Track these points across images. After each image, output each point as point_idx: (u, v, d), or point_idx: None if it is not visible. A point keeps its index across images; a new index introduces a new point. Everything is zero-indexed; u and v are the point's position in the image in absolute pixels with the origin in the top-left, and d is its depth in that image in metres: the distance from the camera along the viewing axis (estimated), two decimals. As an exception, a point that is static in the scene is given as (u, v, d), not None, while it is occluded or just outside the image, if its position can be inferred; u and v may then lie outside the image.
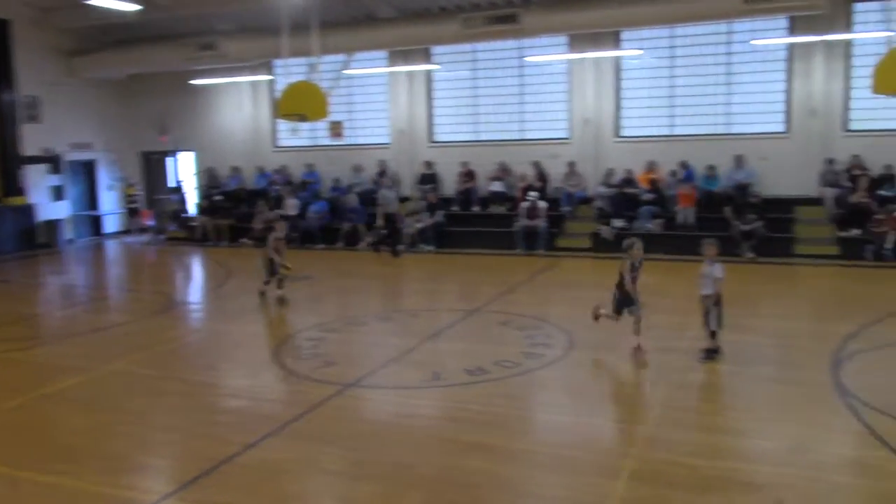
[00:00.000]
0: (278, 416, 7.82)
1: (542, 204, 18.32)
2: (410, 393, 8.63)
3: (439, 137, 21.68)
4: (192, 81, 22.96)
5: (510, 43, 20.07)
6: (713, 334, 9.18)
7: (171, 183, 25.05)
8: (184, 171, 25.07)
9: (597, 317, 10.25)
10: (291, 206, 20.78)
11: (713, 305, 9.06)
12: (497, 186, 19.97)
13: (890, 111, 16.71)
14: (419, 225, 19.15)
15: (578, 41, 19.03)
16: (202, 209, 22.67)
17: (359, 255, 19.10)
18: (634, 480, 6.20)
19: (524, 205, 18.31)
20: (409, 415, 8.00)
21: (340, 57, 19.69)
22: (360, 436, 7.33)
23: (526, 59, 20.11)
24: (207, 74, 22.38)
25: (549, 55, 19.78)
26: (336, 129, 21.87)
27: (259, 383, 9.08)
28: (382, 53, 21.21)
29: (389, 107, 21.90)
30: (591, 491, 6.06)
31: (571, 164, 19.48)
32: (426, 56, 21.03)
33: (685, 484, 6.12)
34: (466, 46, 20.56)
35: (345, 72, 20.37)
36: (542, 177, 19.61)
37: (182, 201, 23.83)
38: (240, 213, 21.76)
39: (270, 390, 8.88)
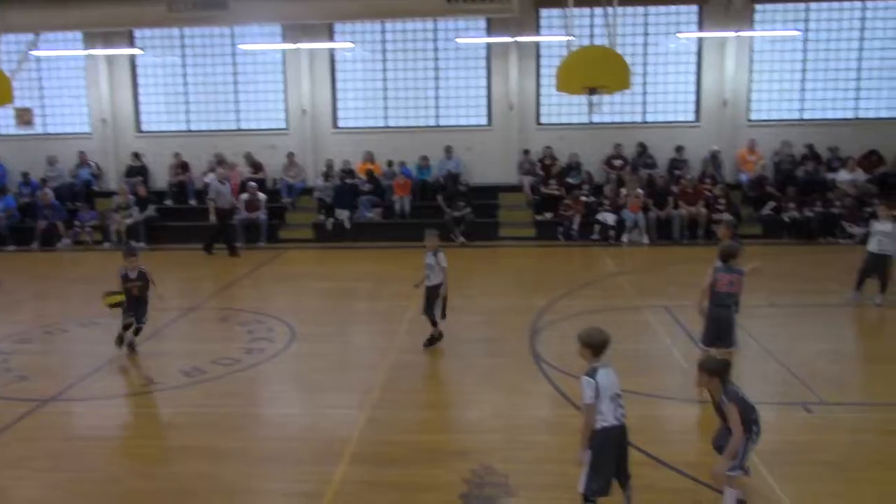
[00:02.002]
0: (-42, 443, 6.89)
1: (262, 196, 18.01)
2: (120, 402, 8.08)
3: (148, 127, 20.35)
4: None
5: (223, 30, 19.41)
6: (435, 323, 9.55)
7: None
8: None
9: None
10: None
11: (438, 296, 9.41)
12: (213, 179, 19.20)
13: (574, 107, 18.80)
14: (128, 221, 17.84)
15: (292, 31, 18.94)
16: None
17: (58, 256, 17.34)
18: (354, 463, 6.39)
19: (243, 197, 17.87)
20: (117, 426, 7.49)
21: (27, 37, 17.66)
22: (60, 455, 6.70)
23: (239, 47, 19.56)
24: None
25: (262, 44, 19.44)
26: (24, 116, 19.58)
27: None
28: (77, 35, 19.37)
29: (88, 93, 20.09)
30: (312, 479, 6.14)
31: (290, 155, 19.37)
32: (129, 39, 19.59)
33: (401, 459, 6.43)
34: (175, 31, 19.50)
35: (32, 53, 18.29)
36: (257, 168, 19.24)
37: None
38: None
39: (-52, 415, 7.78)
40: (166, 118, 20.34)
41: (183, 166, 19.48)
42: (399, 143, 19.40)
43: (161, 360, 9.42)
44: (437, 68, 19.63)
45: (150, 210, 18.35)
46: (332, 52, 19.65)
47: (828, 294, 12.16)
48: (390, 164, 19.09)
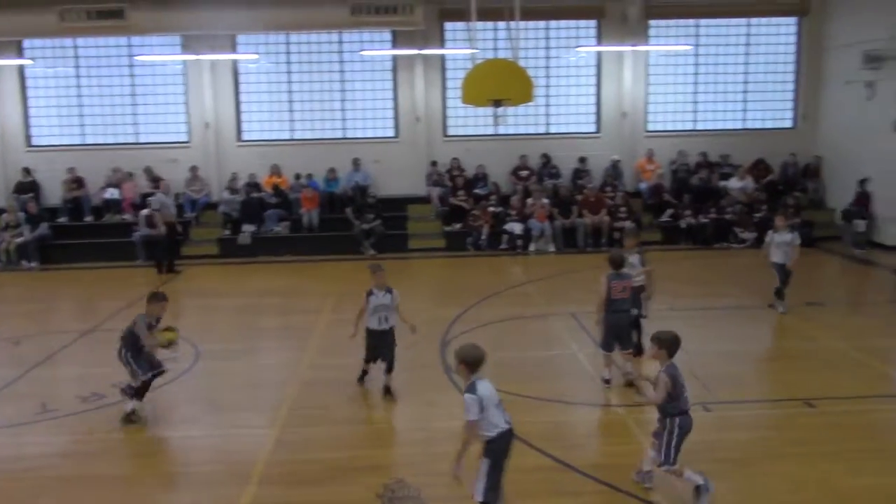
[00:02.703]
0: None
1: (164, 211, 17.45)
2: (12, 432, 7.66)
3: (39, 141, 19.42)
4: None
5: (119, 40, 18.77)
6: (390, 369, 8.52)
7: None
8: None
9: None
10: None
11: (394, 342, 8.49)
12: (112, 194, 18.54)
13: (480, 119, 19.05)
14: (18, 240, 16.96)
15: (193, 42, 18.48)
16: None
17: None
18: (264, 484, 6.28)
19: (143, 212, 17.27)
20: (8, 456, 7.09)
21: None
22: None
23: (136, 58, 18.94)
24: None
25: (161, 55, 18.90)
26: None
27: None
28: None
29: (-30, 105, 19.02)
30: (220, 502, 5.99)
31: (193, 169, 18.87)
32: (17, 49, 18.69)
33: (312, 478, 6.37)
34: (68, 41, 18.73)
35: None
36: (158, 183, 18.64)
37: None
38: None
39: None
40: (59, 132, 19.46)
41: (78, 181, 18.67)
42: (306, 156, 19.19)
43: (56, 385, 9.01)
44: (343, 80, 19.54)
45: (43, 228, 17.49)
46: (235, 64, 19.28)
47: (723, 297, 12.74)
48: (298, 176, 18.86)
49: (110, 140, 19.39)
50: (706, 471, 6.43)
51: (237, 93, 19.39)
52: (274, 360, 10.17)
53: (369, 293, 8.16)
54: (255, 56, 19.13)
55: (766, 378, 9.11)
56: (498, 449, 5.25)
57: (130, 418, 7.68)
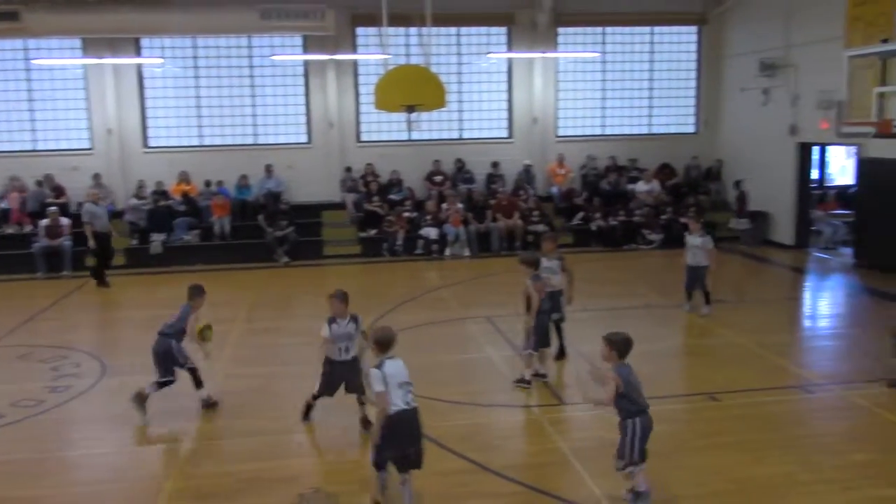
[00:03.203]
0: None
1: (65, 220, 16.72)
2: None
3: (-75, 148, 18.33)
4: None
5: (15, 43, 17.90)
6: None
7: None
8: None
9: None
10: None
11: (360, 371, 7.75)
12: (7, 203, 17.64)
13: (393, 124, 19.01)
14: None
15: (94, 46, 17.80)
16: None
17: None
18: (173, 501, 6.09)
19: (43, 222, 16.51)
20: None
21: None
22: None
23: (34, 62, 18.11)
24: None
25: (60, 59, 18.13)
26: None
27: None
28: None
29: None
30: (128, 522, 5.79)
31: (97, 177, 18.14)
32: None
33: (223, 492, 6.22)
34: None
35: None
36: (59, 191, 17.89)
37: None
38: None
39: None
40: (-52, 138, 18.43)
41: (-29, 191, 17.71)
42: (216, 163, 18.75)
43: (-52, 406, 8.50)
44: (253, 85, 19.19)
45: (-70, 240, 16.51)
46: (139, 68, 18.66)
47: (633, 297, 13.12)
48: (208, 184, 18.41)
49: (5, 147, 18.47)
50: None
51: (142, 98, 18.78)
52: (184, 372, 9.84)
53: (331, 321, 7.46)
54: (161, 60, 18.57)
55: (674, 374, 9.43)
56: (392, 425, 5.62)
57: (209, 403, 8.12)
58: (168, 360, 7.98)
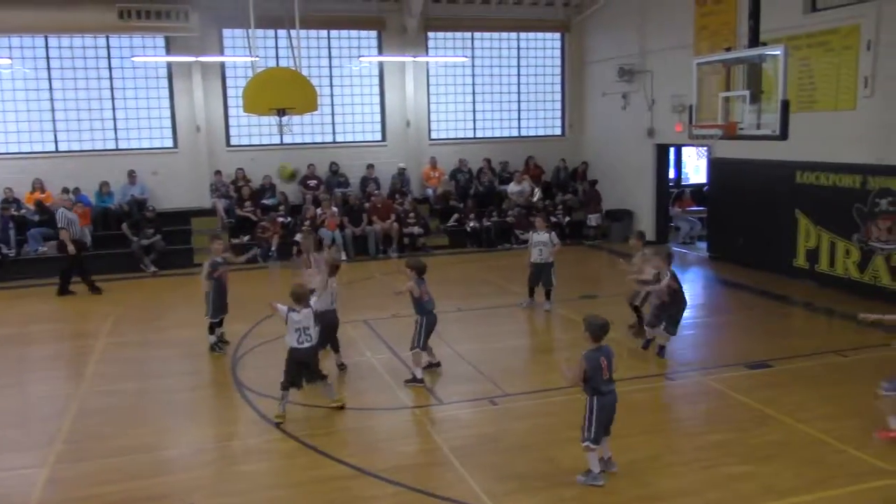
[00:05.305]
0: None
1: None
2: None
3: None
4: None
5: None
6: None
7: None
8: None
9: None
10: None
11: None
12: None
13: (265, 128, 18.63)
14: None
15: (-70, 44, 16.45)
16: None
17: None
18: (35, 529, 5.74)
19: None
20: None
21: None
22: None
23: None
24: None
25: None
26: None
27: None
28: None
29: None
30: (-17, 555, 5.40)
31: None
32: None
33: (92, 516, 5.92)
34: None
35: None
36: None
37: None
38: None
39: None
40: None
41: None
42: (74, 169, 17.72)
43: None
44: (113, 88, 18.29)
45: None
46: (-16, 69, 17.40)
47: (507, 296, 13.45)
48: (65, 191, 17.35)
49: None
50: (493, 461, 6.81)
51: (-11, 100, 17.52)
52: (46, 392, 9.23)
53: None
54: (9, 61, 17.37)
55: (545, 368, 9.74)
56: (288, 358, 7.72)
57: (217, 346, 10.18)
58: None
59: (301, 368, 7.78)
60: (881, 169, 12.30)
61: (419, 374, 8.83)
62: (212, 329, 10.34)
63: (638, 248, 10.77)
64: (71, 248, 14.64)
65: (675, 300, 9.50)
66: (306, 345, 7.72)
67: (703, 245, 17.72)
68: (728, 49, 12.01)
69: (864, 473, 6.45)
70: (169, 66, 18.41)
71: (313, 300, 8.01)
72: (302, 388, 7.99)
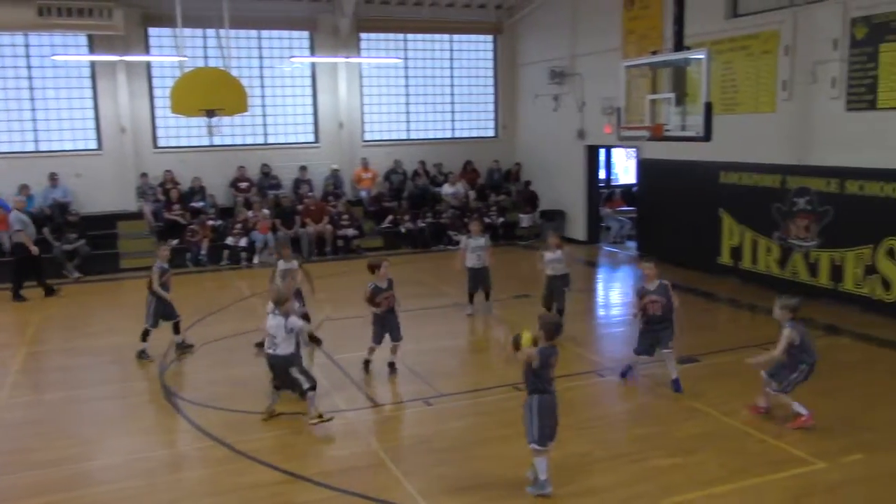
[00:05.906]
0: None
1: None
2: None
3: None
4: None
5: None
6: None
7: None
8: None
9: None
10: None
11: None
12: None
13: (193, 129, 18.26)
14: None
15: None
16: None
17: None
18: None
19: None
20: None
21: None
22: None
23: None
24: None
25: None
26: None
27: None
28: None
29: None
30: None
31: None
32: None
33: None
34: None
35: None
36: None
37: None
38: None
39: None
40: None
41: None
42: (-10, 171, 17.06)
43: None
44: (32, 87, 17.61)
45: None
46: None
47: (441, 296, 13.51)
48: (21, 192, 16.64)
49: None
50: (428, 462, 6.83)
51: None
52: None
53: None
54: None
55: (479, 368, 9.83)
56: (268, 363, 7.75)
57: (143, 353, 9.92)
58: None
59: (272, 372, 7.77)
60: (799, 169, 12.80)
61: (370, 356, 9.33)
62: (145, 336, 10.09)
63: (557, 246, 11.03)
64: (34, 250, 14.26)
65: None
66: (272, 351, 7.63)
67: (632, 244, 18.11)
68: (654, 52, 12.35)
69: (782, 461, 6.71)
70: (92, 65, 17.85)
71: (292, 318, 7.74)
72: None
